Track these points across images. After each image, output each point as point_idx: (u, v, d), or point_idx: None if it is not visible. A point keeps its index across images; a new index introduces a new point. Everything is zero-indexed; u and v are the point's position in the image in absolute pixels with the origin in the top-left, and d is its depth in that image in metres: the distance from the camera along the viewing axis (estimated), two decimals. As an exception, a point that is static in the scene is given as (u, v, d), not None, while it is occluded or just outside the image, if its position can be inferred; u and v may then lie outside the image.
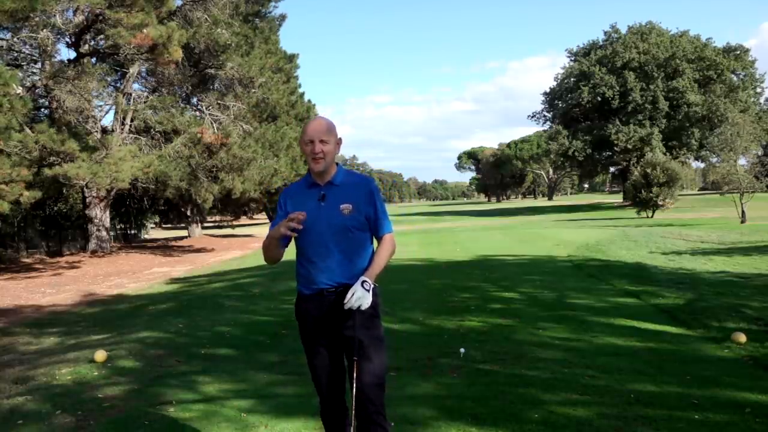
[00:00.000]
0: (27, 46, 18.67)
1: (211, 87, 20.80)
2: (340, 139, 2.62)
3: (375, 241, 2.69)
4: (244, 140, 20.17)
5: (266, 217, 56.37)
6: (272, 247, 2.60)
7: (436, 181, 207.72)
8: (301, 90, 32.05)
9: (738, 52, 51.32)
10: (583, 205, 61.00)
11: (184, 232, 34.58)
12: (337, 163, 2.64)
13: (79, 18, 16.84)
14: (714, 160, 40.87)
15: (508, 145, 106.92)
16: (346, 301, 2.40)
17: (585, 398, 3.77)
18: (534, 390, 3.95)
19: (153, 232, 42.68)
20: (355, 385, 2.51)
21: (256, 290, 9.92)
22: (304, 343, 2.66)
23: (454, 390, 4.03)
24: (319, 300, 2.54)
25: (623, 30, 55.06)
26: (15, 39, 17.74)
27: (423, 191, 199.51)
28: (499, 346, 5.16)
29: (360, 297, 2.39)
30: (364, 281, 2.42)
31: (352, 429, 2.55)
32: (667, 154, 44.82)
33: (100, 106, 20.65)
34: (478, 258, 13.20)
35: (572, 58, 57.74)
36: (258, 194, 25.66)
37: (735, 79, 51.17)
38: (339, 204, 2.55)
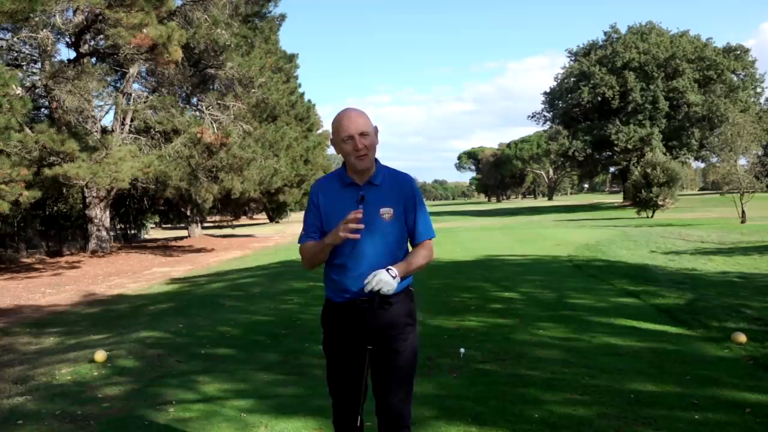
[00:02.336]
0: (27, 46, 18.68)
1: (211, 87, 20.80)
2: (376, 127, 2.34)
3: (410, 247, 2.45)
4: (244, 140, 20.18)
5: (266, 217, 56.43)
6: (322, 255, 2.34)
7: (436, 181, 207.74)
8: (301, 90, 32.13)
9: (738, 52, 51.34)
10: (583, 205, 61.01)
11: (184, 232, 34.58)
12: (375, 159, 2.35)
13: (79, 18, 16.84)
14: (714, 160, 40.92)
15: (508, 145, 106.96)
16: (366, 281, 2.21)
17: (585, 398, 3.77)
18: (534, 390, 3.95)
19: (153, 232, 42.69)
20: (376, 391, 2.38)
21: (256, 290, 9.92)
22: (329, 352, 2.44)
23: (454, 390, 4.03)
24: (350, 310, 2.31)
25: (623, 30, 55.17)
26: (15, 39, 17.75)
27: (423, 191, 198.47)
28: (499, 346, 5.16)
29: (381, 279, 2.19)
30: (389, 269, 2.23)
31: None
32: (667, 154, 44.82)
33: (100, 106, 20.69)
34: (478, 258, 13.20)
35: (572, 58, 57.77)
36: (258, 194, 25.67)
37: (735, 79, 51.18)
38: (379, 207, 2.30)
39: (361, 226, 2.19)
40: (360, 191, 2.32)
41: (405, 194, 2.36)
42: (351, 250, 2.29)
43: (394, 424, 2.37)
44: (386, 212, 2.31)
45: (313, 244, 2.37)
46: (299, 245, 2.45)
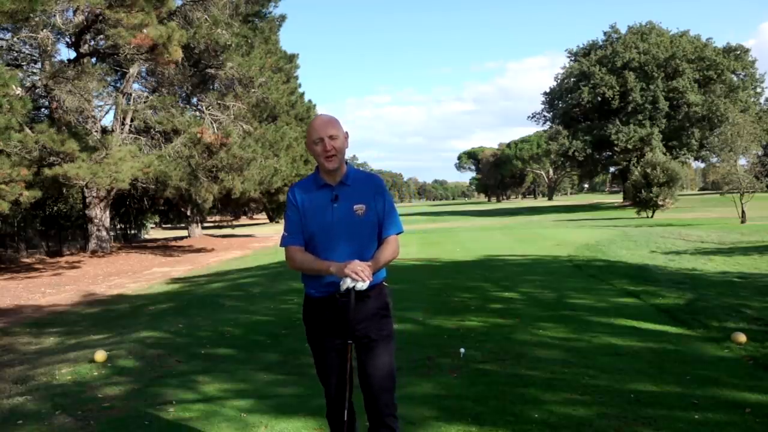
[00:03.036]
0: (27, 46, 18.69)
1: (211, 87, 20.80)
2: (347, 132, 2.54)
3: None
4: (244, 140, 20.18)
5: (266, 217, 56.44)
6: (313, 271, 2.46)
7: (436, 181, 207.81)
8: (301, 90, 32.09)
9: (738, 52, 51.35)
10: (583, 205, 61.03)
11: (184, 232, 34.58)
12: (346, 161, 2.55)
13: (79, 18, 16.84)
14: (714, 160, 40.94)
15: (508, 145, 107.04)
16: (341, 281, 2.35)
17: (585, 398, 3.77)
18: (534, 390, 3.95)
19: (153, 232, 42.71)
20: (362, 383, 2.48)
21: (256, 290, 9.92)
22: (313, 346, 2.58)
23: (454, 390, 4.03)
24: (329, 305, 2.45)
25: (623, 30, 55.18)
26: (15, 39, 17.75)
27: (423, 191, 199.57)
28: (499, 346, 5.16)
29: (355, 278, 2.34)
30: None
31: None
32: (667, 154, 44.84)
33: (100, 106, 20.70)
34: (478, 258, 13.20)
35: (572, 58, 57.76)
36: (258, 194, 25.67)
37: (735, 79, 51.17)
38: (352, 205, 2.47)
39: (368, 280, 2.34)
40: (333, 191, 2.49)
41: (375, 192, 2.53)
42: (329, 247, 2.45)
43: (382, 413, 2.47)
44: (359, 208, 2.47)
45: (310, 258, 2.46)
46: (284, 247, 2.53)
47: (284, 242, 2.53)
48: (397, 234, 2.58)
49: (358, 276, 2.30)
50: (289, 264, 2.55)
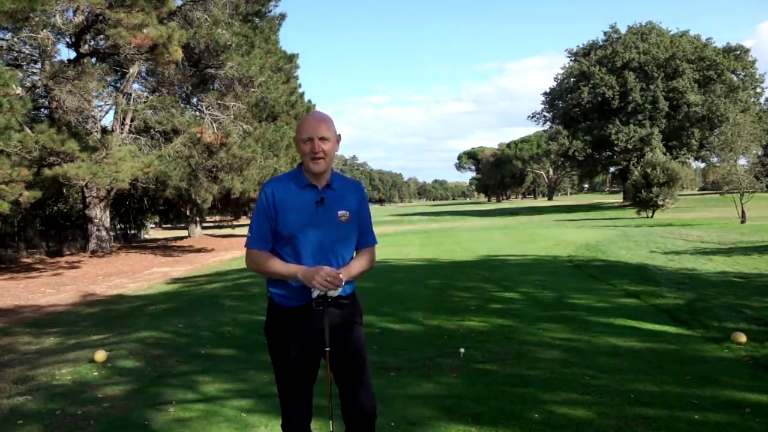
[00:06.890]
0: (27, 46, 18.69)
1: (211, 87, 20.80)
2: (339, 135, 2.40)
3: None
4: (244, 140, 20.19)
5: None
6: (279, 276, 2.35)
7: (436, 181, 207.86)
8: (301, 90, 32.08)
9: (738, 52, 51.32)
10: (582, 205, 61.01)
11: (184, 232, 34.58)
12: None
13: (79, 18, 16.86)
14: (714, 160, 40.94)
15: (508, 145, 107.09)
16: (312, 289, 2.29)
17: (585, 398, 3.77)
18: (534, 390, 3.95)
19: (153, 232, 42.71)
20: (344, 394, 2.40)
21: (256, 290, 9.91)
22: (281, 360, 2.37)
23: (454, 390, 4.03)
24: (304, 314, 2.32)
25: (623, 30, 55.15)
26: (15, 39, 17.75)
27: (423, 191, 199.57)
28: (499, 346, 5.16)
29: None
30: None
31: None
32: (667, 154, 44.79)
33: (100, 106, 20.70)
34: (478, 258, 13.20)
35: (572, 58, 57.73)
36: (258, 194, 25.66)
37: (735, 79, 51.12)
38: (337, 210, 2.36)
39: (338, 291, 2.29)
40: (319, 194, 2.35)
41: (357, 199, 2.45)
42: (305, 252, 2.32)
43: (370, 414, 2.38)
44: (344, 215, 2.37)
45: (278, 262, 2.34)
46: (248, 249, 2.40)
47: (249, 244, 2.39)
48: (373, 246, 2.51)
49: (328, 285, 2.21)
50: (250, 266, 2.42)
